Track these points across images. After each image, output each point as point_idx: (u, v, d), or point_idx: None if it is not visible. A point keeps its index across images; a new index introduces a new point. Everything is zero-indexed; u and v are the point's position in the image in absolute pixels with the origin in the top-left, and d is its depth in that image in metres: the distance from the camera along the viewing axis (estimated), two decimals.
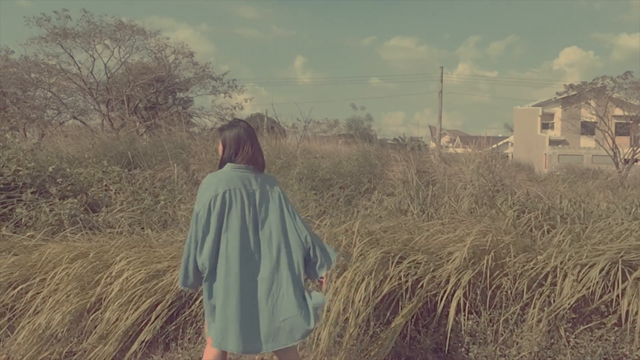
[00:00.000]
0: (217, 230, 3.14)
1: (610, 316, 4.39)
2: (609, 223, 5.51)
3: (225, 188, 3.19)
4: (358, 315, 4.29)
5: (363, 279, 4.38)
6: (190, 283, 3.25)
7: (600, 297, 4.38)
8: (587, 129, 40.64)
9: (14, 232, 5.76)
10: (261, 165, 3.38)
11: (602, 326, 4.37)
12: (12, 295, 4.67)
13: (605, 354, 4.22)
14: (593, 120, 37.14)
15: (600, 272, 4.36)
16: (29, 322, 4.42)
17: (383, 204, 7.20)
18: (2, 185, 6.54)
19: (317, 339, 4.23)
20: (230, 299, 3.10)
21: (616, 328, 4.34)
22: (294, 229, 3.30)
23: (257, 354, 3.19)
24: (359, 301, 4.28)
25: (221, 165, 3.35)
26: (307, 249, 3.30)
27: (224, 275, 3.12)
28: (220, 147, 3.37)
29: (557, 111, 44.71)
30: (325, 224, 5.52)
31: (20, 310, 4.61)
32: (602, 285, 4.37)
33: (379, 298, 4.44)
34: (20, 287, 4.70)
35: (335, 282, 4.42)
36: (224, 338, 3.12)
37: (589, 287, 4.34)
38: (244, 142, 3.31)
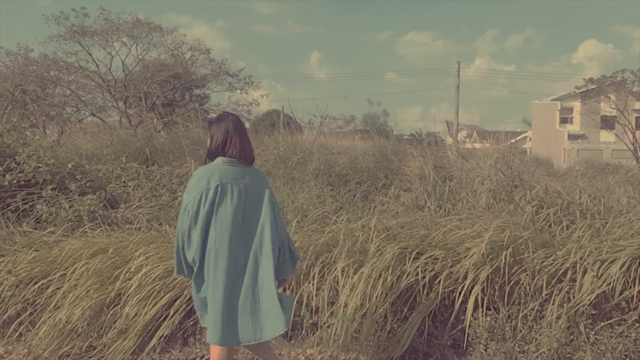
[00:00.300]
0: (205, 224, 3.15)
1: (631, 312, 4.34)
2: (630, 218, 5.43)
3: (218, 182, 3.19)
4: (375, 311, 4.28)
5: (380, 275, 4.38)
6: (185, 273, 3.29)
7: (621, 293, 4.33)
8: (607, 123, 40.16)
9: (35, 228, 5.83)
10: (251, 158, 3.38)
11: (623, 322, 4.31)
12: (33, 291, 4.74)
13: (625, 351, 4.17)
14: (613, 114, 36.68)
15: (620, 268, 4.31)
16: (49, 317, 4.48)
17: (400, 200, 7.17)
18: (22, 182, 6.62)
19: (334, 334, 4.24)
20: (218, 293, 3.13)
21: (637, 324, 4.29)
22: (275, 226, 3.32)
23: (248, 343, 3.21)
24: (376, 297, 4.28)
25: (210, 159, 3.35)
26: (280, 248, 3.35)
27: (212, 269, 3.15)
28: (209, 141, 3.38)
29: (576, 105, 44.21)
30: (342, 220, 5.51)
31: (41, 305, 4.67)
32: (622, 281, 4.32)
33: (396, 294, 4.43)
34: (41, 283, 4.77)
35: (352, 277, 4.42)
36: (214, 331, 3.15)
37: (609, 283, 4.29)
38: (232, 135, 3.30)
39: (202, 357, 4.43)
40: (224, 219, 3.17)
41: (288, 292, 4.61)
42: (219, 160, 3.29)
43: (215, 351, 3.22)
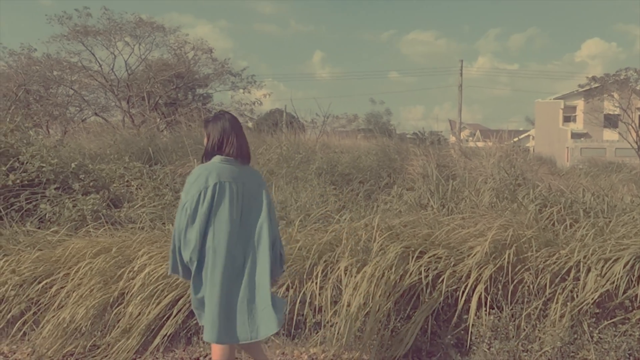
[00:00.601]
0: (204, 222, 3.15)
1: (634, 311, 4.33)
2: (633, 217, 5.42)
3: (216, 180, 3.19)
4: (378, 310, 4.28)
5: (383, 274, 4.37)
6: (179, 273, 3.30)
7: (625, 291, 4.32)
8: (610, 121, 40.13)
9: (38, 228, 5.84)
10: (247, 157, 3.39)
11: (627, 321, 4.31)
12: (37, 290, 4.75)
13: (629, 349, 4.16)
14: (616, 112, 36.66)
15: (624, 267, 4.30)
16: (53, 316, 4.49)
17: (403, 199, 7.17)
18: (26, 182, 6.63)
19: (337, 333, 4.24)
20: (216, 292, 3.14)
21: None
22: (272, 227, 3.33)
23: (244, 342, 3.22)
24: (379, 296, 4.28)
25: (206, 157, 3.35)
26: (273, 246, 3.36)
27: (210, 268, 3.16)
28: (205, 140, 3.38)
29: (580, 104, 44.13)
30: (345, 219, 5.52)
31: (45, 305, 4.68)
32: (626, 280, 4.31)
33: (399, 293, 4.43)
34: (44, 282, 4.77)
35: (355, 276, 4.42)
36: (212, 329, 3.16)
37: (613, 282, 4.28)
38: (229, 134, 3.30)
39: (205, 356, 4.44)
40: (222, 218, 3.17)
41: (291, 291, 4.62)
42: (217, 158, 3.29)
43: (217, 350, 3.23)
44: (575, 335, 4.27)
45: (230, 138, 3.30)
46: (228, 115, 3.41)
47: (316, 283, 4.54)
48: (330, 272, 4.64)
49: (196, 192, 3.17)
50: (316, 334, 4.52)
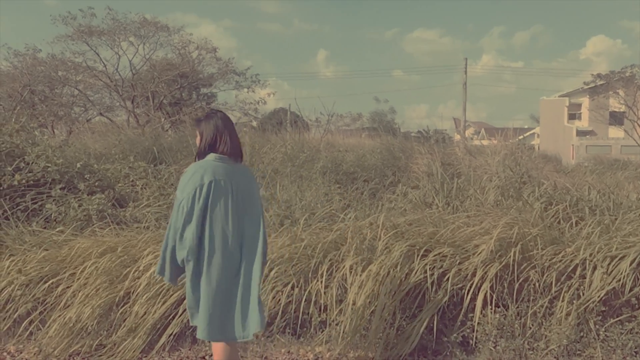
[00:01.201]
0: (200, 220, 3.15)
1: None
2: (639, 214, 5.41)
3: (211, 178, 3.20)
4: (384, 308, 4.28)
5: (388, 272, 4.37)
6: (167, 276, 3.28)
7: (631, 289, 4.31)
8: (616, 119, 39.99)
9: (44, 228, 5.86)
10: (240, 155, 3.40)
11: (633, 319, 4.30)
12: (43, 290, 4.76)
13: (636, 347, 4.15)
14: (622, 109, 36.54)
15: (630, 264, 4.29)
16: (59, 316, 4.51)
17: (408, 197, 7.16)
18: (31, 182, 6.65)
19: (343, 332, 4.24)
20: (212, 289, 3.15)
21: None
22: (264, 224, 3.34)
23: (241, 340, 3.24)
24: (385, 294, 4.28)
25: (200, 156, 3.36)
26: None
27: (206, 266, 3.16)
28: (198, 139, 3.39)
29: (585, 101, 43.97)
30: (350, 218, 5.51)
31: (51, 304, 4.70)
32: (632, 278, 4.30)
33: (405, 291, 4.42)
34: (50, 282, 4.79)
35: (360, 275, 4.42)
36: (207, 327, 3.17)
37: (619, 280, 4.27)
38: (222, 132, 3.32)
39: (210, 355, 4.43)
40: (218, 215, 3.18)
41: (296, 289, 4.62)
42: (211, 156, 3.30)
43: (218, 348, 3.24)
44: (582, 333, 4.26)
45: (224, 136, 3.31)
46: (220, 114, 3.42)
47: (321, 282, 4.54)
48: (336, 271, 4.64)
49: (192, 189, 3.17)
50: (321, 332, 4.52)
